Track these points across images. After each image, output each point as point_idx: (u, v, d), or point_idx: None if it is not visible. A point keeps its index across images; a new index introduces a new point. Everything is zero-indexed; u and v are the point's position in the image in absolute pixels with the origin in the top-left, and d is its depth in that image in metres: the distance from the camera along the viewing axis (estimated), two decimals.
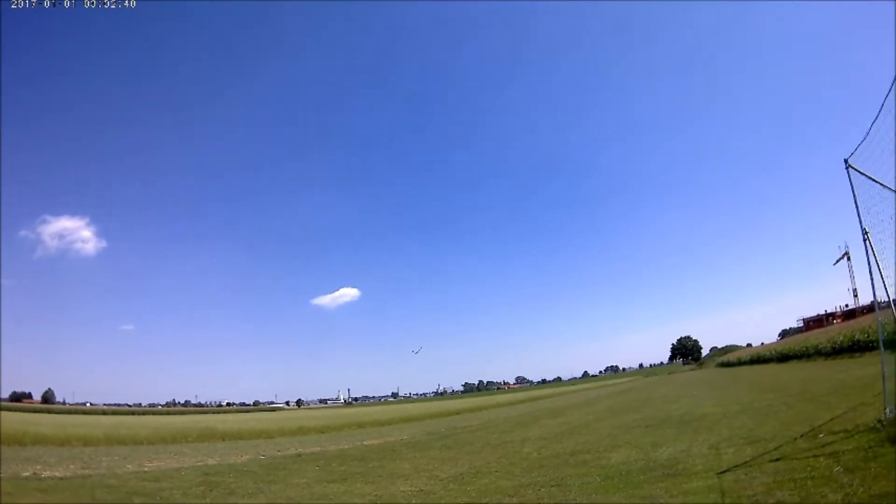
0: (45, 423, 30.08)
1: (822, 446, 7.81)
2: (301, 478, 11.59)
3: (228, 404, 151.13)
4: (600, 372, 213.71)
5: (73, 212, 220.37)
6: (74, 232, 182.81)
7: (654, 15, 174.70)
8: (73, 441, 18.58)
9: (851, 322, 52.70)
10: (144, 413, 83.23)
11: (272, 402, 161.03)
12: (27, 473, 11.06)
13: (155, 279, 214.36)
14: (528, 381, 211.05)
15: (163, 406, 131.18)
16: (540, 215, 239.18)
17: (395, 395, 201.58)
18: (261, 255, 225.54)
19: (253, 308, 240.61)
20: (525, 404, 48.68)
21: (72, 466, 12.45)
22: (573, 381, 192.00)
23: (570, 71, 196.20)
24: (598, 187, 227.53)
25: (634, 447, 11.25)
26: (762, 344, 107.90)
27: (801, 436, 9.05)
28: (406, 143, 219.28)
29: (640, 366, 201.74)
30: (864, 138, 8.89)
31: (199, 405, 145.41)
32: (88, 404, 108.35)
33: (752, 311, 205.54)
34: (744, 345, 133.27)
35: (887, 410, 8.36)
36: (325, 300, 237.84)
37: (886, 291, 8.37)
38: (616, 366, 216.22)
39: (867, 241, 8.63)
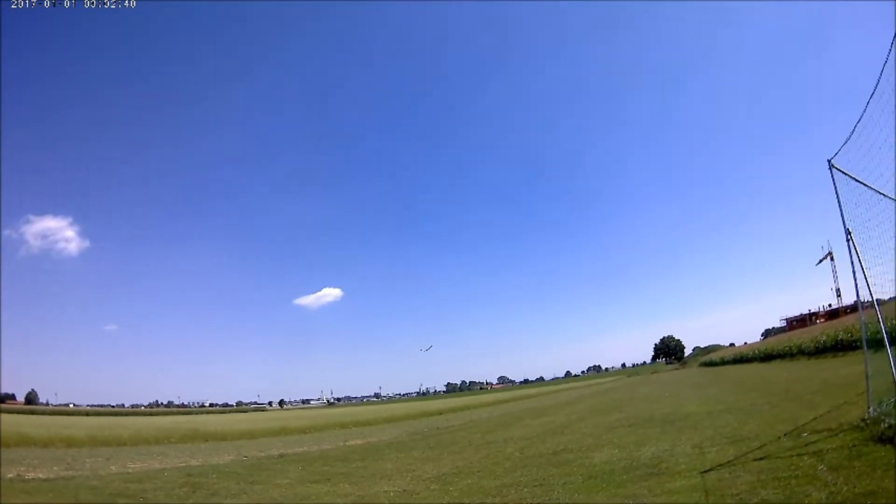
0: (29, 424, 29.65)
1: (806, 445, 7.80)
2: (284, 478, 11.56)
3: (211, 405, 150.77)
4: (583, 372, 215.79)
5: (56, 211, 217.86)
6: (58, 232, 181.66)
7: (635, 15, 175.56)
8: (57, 442, 18.59)
9: (835, 322, 53.42)
10: (128, 414, 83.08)
11: (255, 403, 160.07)
12: (11, 475, 10.96)
13: (138, 279, 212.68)
14: (511, 381, 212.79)
15: (146, 407, 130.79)
16: (523, 216, 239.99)
17: (377, 395, 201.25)
18: (244, 255, 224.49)
19: (236, 309, 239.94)
20: (508, 404, 48.91)
21: (55, 468, 12.38)
22: (556, 380, 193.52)
23: (550, 72, 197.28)
24: (582, 188, 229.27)
25: (617, 447, 11.20)
26: (745, 344, 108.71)
27: (785, 435, 9.05)
28: (388, 143, 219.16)
29: (623, 365, 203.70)
30: (848, 139, 8.91)
31: (182, 406, 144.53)
32: (72, 405, 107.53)
33: (735, 310, 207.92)
34: (727, 344, 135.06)
35: (871, 409, 8.37)
36: (308, 300, 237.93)
37: (870, 291, 8.38)
38: (599, 365, 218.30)
39: (850, 241, 8.64)
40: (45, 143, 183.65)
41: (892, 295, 10.20)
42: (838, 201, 8.95)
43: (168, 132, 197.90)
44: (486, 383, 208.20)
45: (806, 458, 6.96)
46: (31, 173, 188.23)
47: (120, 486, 10.24)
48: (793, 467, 6.62)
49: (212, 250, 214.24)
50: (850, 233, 8.64)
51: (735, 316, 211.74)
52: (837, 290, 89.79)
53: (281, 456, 16.32)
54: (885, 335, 7.79)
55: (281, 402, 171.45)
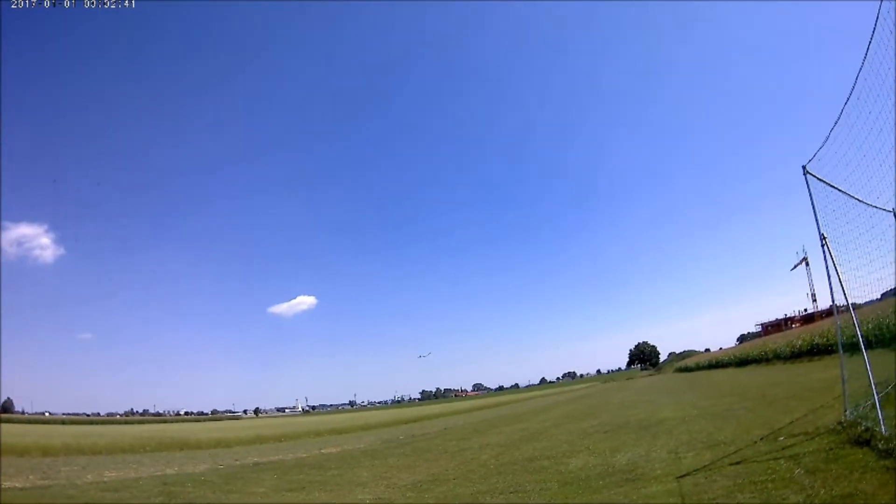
0: (5, 432, 29.05)
1: (783, 449, 7.77)
2: (259, 487, 11.53)
3: (186, 413, 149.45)
4: (558, 378, 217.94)
5: (32, 218, 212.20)
6: (33, 239, 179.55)
7: (609, 20, 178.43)
8: (33, 451, 18.50)
9: (811, 326, 54.34)
10: (103, 422, 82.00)
11: (230, 411, 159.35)
12: None
13: (114, 287, 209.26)
14: (486, 389, 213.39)
15: (121, 415, 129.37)
16: (498, 223, 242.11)
17: (352, 403, 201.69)
18: (217, 263, 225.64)
19: (210, 317, 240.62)
20: (483, 411, 48.92)
21: (31, 477, 12.43)
22: (531, 387, 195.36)
23: (523, 78, 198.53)
24: (556, 196, 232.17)
25: (593, 453, 11.14)
26: (721, 349, 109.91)
27: (761, 439, 9.05)
28: (362, 151, 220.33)
29: (598, 372, 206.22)
30: (823, 145, 8.95)
31: (158, 414, 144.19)
32: (48, 413, 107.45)
33: (710, 316, 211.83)
34: (702, 350, 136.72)
35: (847, 412, 8.40)
36: (283, 308, 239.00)
37: (845, 295, 8.41)
38: (574, 372, 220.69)
39: (825, 247, 8.66)
40: (22, 150, 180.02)
41: (868, 299, 10.27)
42: (813, 207, 8.97)
43: (143, 140, 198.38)
44: (461, 390, 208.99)
45: (782, 461, 6.92)
46: (7, 179, 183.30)
47: (96, 495, 10.26)
48: (769, 471, 6.56)
49: (186, 258, 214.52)
50: (824, 238, 8.66)
51: (710, 322, 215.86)
52: (813, 295, 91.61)
53: (256, 464, 16.22)
54: (860, 339, 7.81)
55: (256, 411, 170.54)
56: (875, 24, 7.13)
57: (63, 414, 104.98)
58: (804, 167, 9.13)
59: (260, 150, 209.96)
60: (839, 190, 9.16)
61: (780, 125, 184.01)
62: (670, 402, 23.60)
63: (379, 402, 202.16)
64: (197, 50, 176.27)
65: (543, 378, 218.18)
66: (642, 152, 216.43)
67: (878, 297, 12.36)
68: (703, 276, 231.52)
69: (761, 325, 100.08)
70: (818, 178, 9.03)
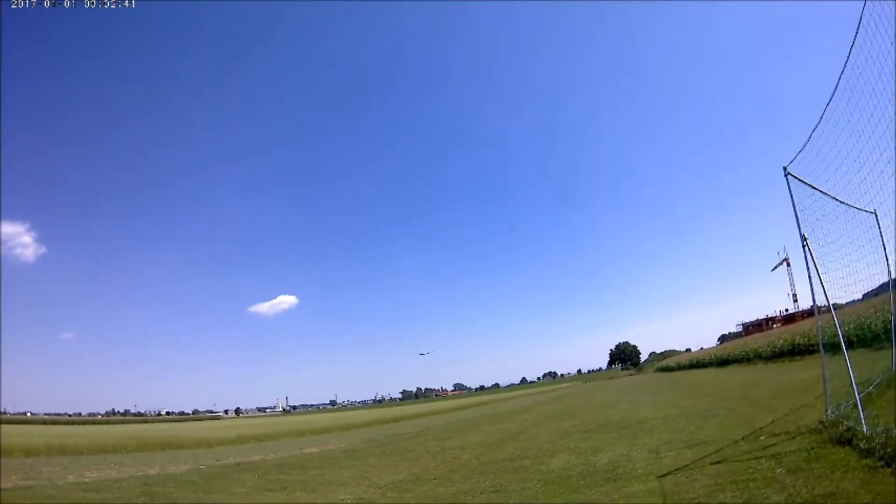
0: None
1: (764, 448, 7.76)
2: (241, 487, 11.50)
3: (167, 413, 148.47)
4: (539, 378, 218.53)
5: (13, 217, 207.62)
6: (14, 237, 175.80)
7: (585, 21, 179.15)
8: (14, 452, 18.05)
9: (791, 326, 54.60)
10: (84, 422, 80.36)
11: (211, 411, 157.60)
12: None
13: (95, 287, 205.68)
14: (467, 388, 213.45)
15: (103, 415, 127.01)
16: (478, 223, 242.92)
17: (333, 402, 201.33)
18: (198, 263, 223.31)
19: (191, 316, 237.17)
20: (464, 411, 48.99)
21: (13, 477, 12.17)
22: (512, 387, 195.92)
23: (503, 80, 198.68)
24: (535, 196, 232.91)
25: (574, 452, 11.13)
26: (701, 349, 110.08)
27: (743, 438, 9.05)
28: (343, 151, 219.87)
29: (579, 371, 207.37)
30: (804, 146, 8.99)
31: (139, 414, 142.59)
32: (29, 414, 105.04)
33: (691, 316, 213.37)
34: (683, 350, 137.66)
35: (829, 412, 8.42)
36: (263, 307, 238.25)
37: (826, 296, 8.45)
38: (555, 372, 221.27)
39: (806, 247, 8.69)
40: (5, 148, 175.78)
41: (850, 299, 10.36)
42: (794, 207, 9.00)
43: (125, 141, 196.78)
44: (442, 390, 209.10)
45: (764, 461, 6.91)
46: None
47: (77, 496, 10.18)
48: (751, 470, 6.55)
49: (167, 258, 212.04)
50: (805, 238, 8.69)
51: (691, 322, 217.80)
52: (794, 295, 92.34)
53: (237, 465, 16.03)
54: (841, 339, 7.83)
55: (237, 411, 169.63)
56: (858, 26, 7.15)
57: (44, 414, 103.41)
58: (785, 168, 9.15)
59: (242, 151, 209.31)
60: (820, 191, 9.23)
61: (762, 126, 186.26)
62: (651, 401, 23.69)
63: (360, 402, 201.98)
64: (193, 49, 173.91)
65: (524, 378, 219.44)
66: (623, 152, 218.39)
67: (860, 297, 12.45)
68: (684, 275, 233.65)
69: (742, 324, 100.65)
70: (799, 179, 9.06)
